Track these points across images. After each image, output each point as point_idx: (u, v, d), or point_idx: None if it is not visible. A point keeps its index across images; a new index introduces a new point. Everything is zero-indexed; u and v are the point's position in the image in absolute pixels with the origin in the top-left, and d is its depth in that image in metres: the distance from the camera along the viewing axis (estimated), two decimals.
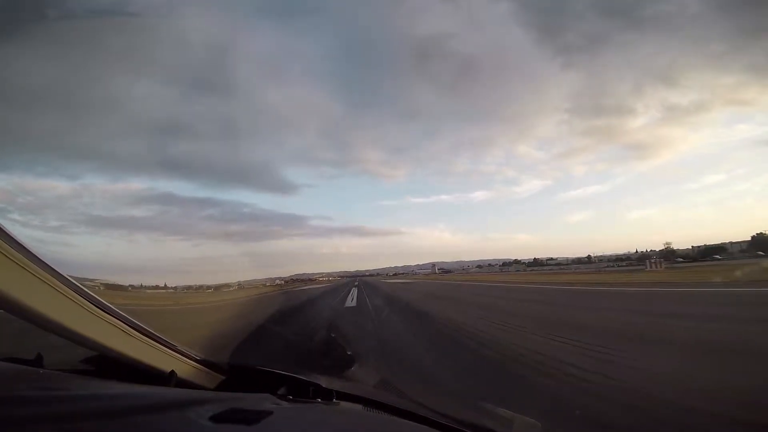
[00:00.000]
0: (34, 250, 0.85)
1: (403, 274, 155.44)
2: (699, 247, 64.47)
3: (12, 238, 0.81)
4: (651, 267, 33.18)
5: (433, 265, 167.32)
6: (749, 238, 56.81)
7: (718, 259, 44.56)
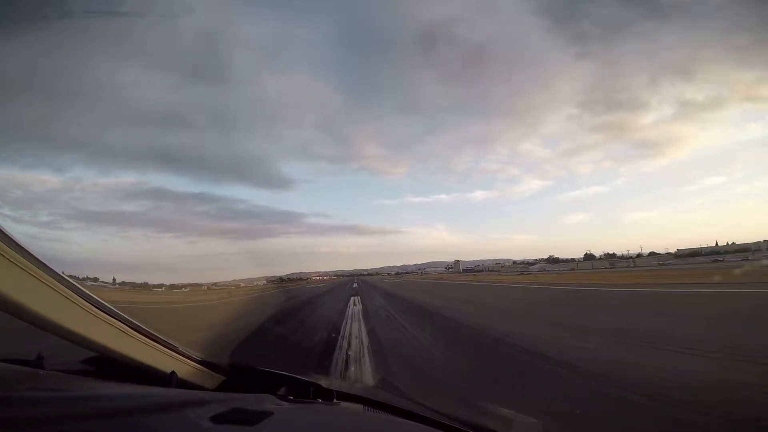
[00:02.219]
0: (32, 250, 0.84)
1: (405, 273, 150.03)
2: None
3: (10, 237, 0.81)
4: None
5: (456, 261, 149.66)
6: None
7: None
